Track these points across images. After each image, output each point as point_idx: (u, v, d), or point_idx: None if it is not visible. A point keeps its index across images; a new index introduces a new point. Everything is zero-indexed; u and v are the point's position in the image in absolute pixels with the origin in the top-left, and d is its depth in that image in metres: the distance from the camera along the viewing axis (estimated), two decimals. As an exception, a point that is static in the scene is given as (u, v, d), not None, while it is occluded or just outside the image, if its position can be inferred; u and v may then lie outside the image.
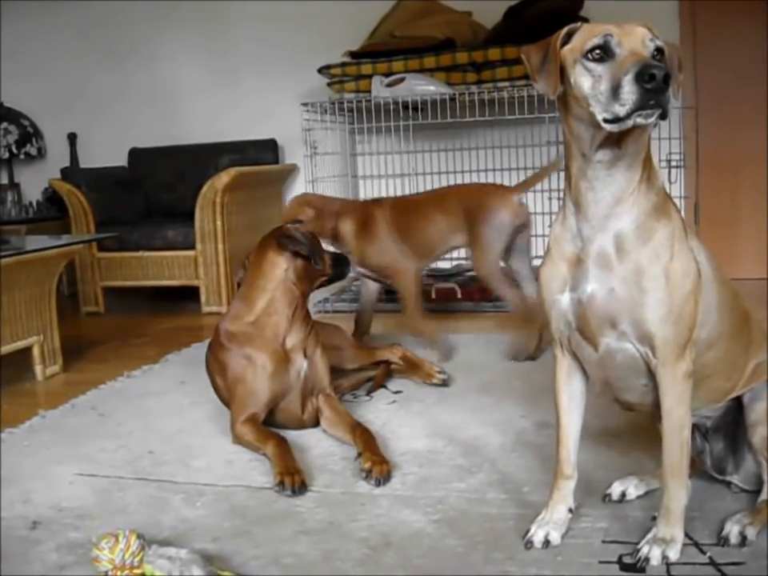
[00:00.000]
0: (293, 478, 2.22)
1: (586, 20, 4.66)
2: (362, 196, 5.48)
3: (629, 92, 1.42)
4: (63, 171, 5.61)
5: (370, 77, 4.91)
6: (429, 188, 5.22)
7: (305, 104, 4.97)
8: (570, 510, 1.86)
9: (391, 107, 4.87)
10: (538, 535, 1.82)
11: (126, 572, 1.75)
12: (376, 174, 5.36)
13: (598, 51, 1.49)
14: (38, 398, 3.38)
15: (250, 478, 2.34)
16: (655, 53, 1.49)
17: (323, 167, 5.10)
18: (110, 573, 1.75)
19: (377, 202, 3.89)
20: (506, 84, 4.73)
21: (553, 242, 1.73)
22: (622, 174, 1.59)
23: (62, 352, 3.73)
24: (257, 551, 1.89)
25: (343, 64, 5.05)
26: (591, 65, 1.50)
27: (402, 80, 4.79)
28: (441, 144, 5.28)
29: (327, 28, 5.50)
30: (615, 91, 1.44)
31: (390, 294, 4.33)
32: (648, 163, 1.62)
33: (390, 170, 5.23)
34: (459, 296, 4.71)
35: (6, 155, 6.17)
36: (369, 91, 4.89)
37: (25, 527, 2.09)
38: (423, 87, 4.75)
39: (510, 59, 4.68)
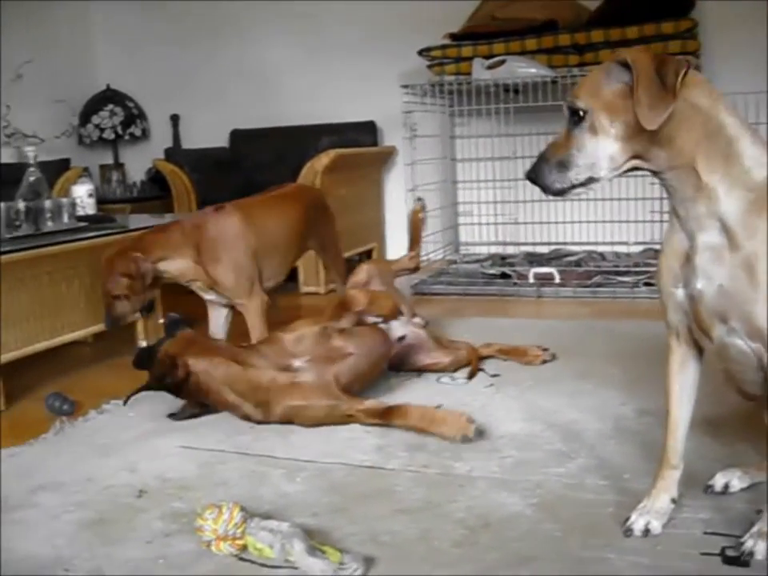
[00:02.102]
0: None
1: (692, 3, 4.58)
2: (459, 178, 5.48)
3: None
4: (166, 152, 5.74)
5: (470, 59, 4.90)
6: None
7: (405, 86, 4.97)
8: (673, 501, 1.84)
9: (492, 90, 4.84)
10: (638, 523, 1.81)
11: (229, 543, 1.80)
12: (474, 157, 5.33)
13: None
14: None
15: (347, 455, 2.37)
16: (572, 114, 1.62)
17: (422, 150, 5.09)
18: (213, 543, 1.81)
19: (219, 209, 3.29)
20: (610, 67, 4.64)
21: (666, 235, 1.74)
22: (677, 178, 1.62)
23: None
24: (354, 528, 1.92)
25: (444, 46, 5.03)
26: None
27: (502, 62, 4.76)
28: (541, 127, 5.18)
29: (427, 10, 5.47)
30: None
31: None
32: (727, 161, 1.58)
33: (488, 153, 5.19)
34: (557, 281, 4.65)
35: (113, 136, 6.34)
36: (469, 73, 4.87)
37: (131, 495, 2.17)
38: (524, 69, 4.71)
39: (613, 41, 4.59)
